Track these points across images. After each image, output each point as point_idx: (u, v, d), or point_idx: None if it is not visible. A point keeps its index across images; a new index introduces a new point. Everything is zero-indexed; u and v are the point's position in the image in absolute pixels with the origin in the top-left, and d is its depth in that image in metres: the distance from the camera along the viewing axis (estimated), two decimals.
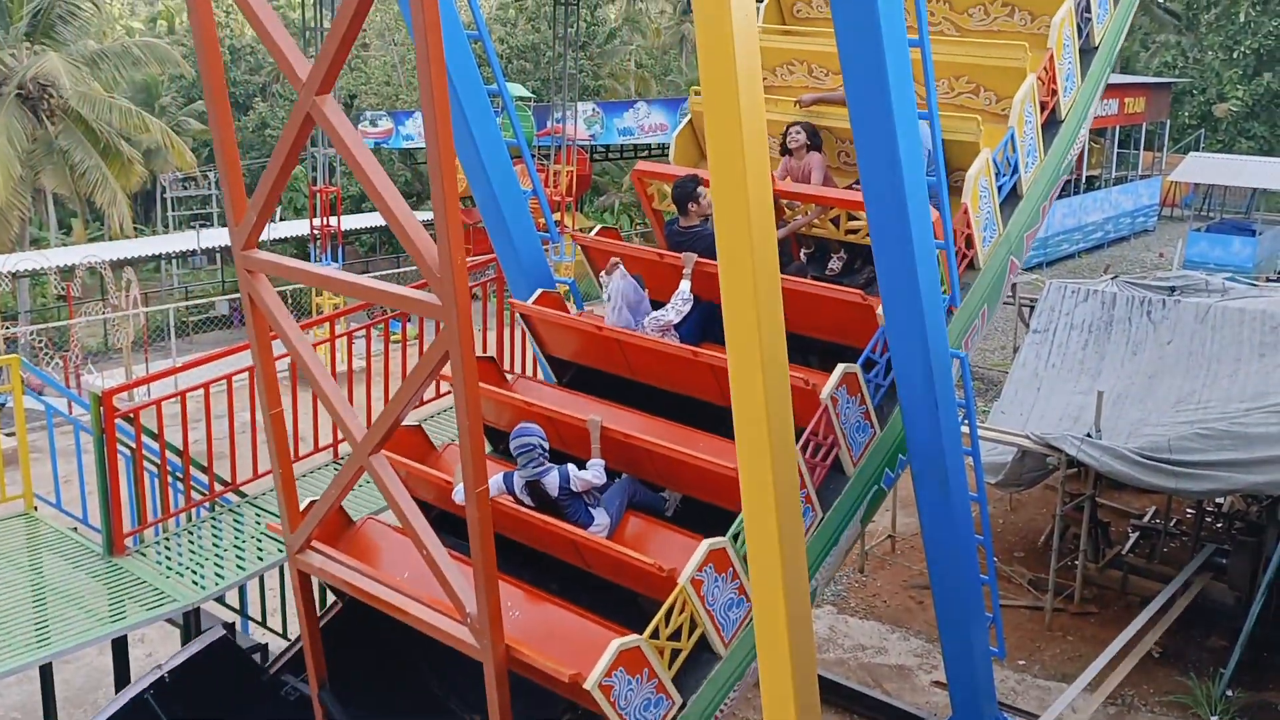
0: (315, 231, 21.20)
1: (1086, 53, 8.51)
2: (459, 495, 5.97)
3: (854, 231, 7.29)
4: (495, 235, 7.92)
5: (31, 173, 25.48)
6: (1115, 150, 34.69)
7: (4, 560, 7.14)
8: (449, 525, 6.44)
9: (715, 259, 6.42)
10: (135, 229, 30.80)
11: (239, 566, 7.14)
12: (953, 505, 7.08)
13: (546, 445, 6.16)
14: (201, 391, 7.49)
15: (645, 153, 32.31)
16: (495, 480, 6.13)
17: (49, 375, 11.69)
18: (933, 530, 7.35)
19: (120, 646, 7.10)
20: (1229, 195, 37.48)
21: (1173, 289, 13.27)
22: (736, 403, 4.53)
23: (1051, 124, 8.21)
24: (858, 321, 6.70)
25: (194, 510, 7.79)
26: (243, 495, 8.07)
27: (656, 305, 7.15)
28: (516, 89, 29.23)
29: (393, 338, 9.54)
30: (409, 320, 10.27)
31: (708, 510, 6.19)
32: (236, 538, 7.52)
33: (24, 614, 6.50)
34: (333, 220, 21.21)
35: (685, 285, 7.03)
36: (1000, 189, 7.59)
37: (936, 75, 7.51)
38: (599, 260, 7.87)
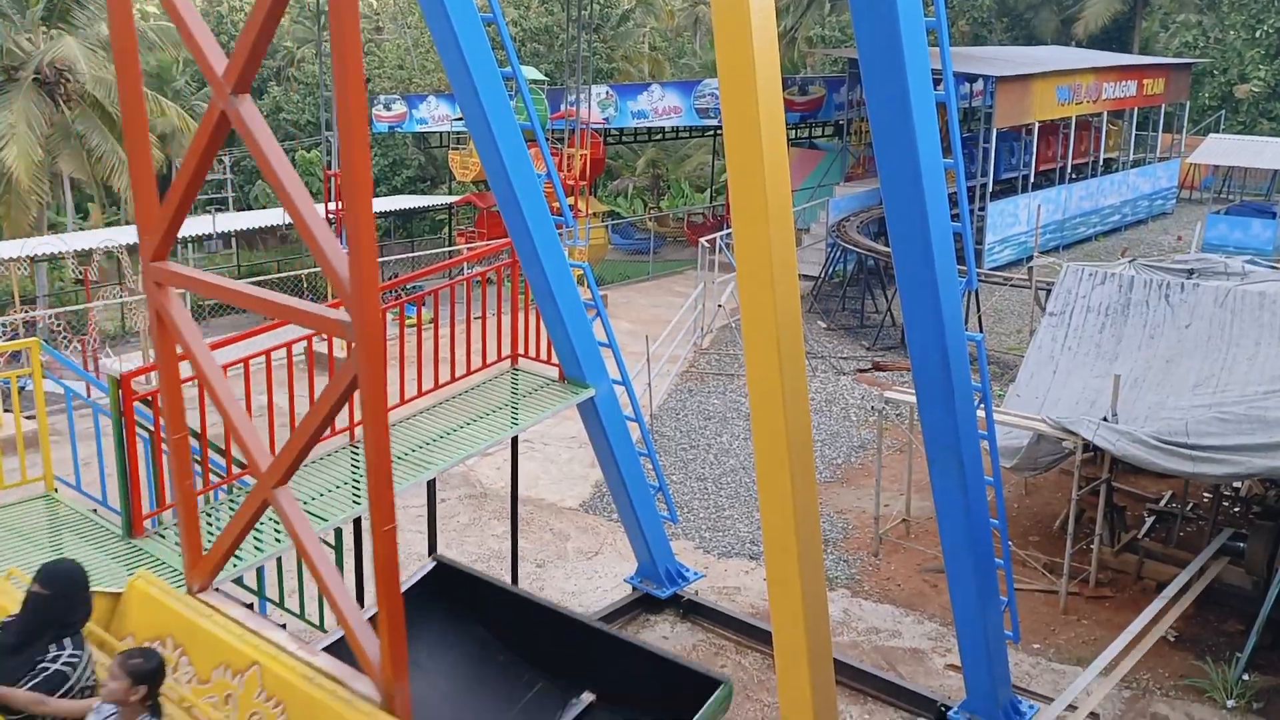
0: (330, 215, 21.23)
1: None
2: None
3: None
4: (510, 219, 7.93)
5: (49, 157, 25.62)
6: (1133, 132, 34.37)
7: (25, 541, 7.22)
8: None
9: None
10: None
11: (257, 548, 7.19)
12: (968, 489, 7.08)
13: None
14: None
15: (659, 135, 32.22)
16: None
17: (68, 358, 11.78)
18: (948, 514, 7.35)
19: None
20: (1249, 177, 37.15)
21: (1191, 272, 13.18)
22: (752, 376, 4.53)
23: None
24: None
25: (212, 493, 7.85)
26: None
27: None
28: (530, 72, 29.16)
29: (408, 322, 9.58)
30: (423, 304, 10.29)
31: None
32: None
33: None
34: None
35: None
36: None
37: None
38: None
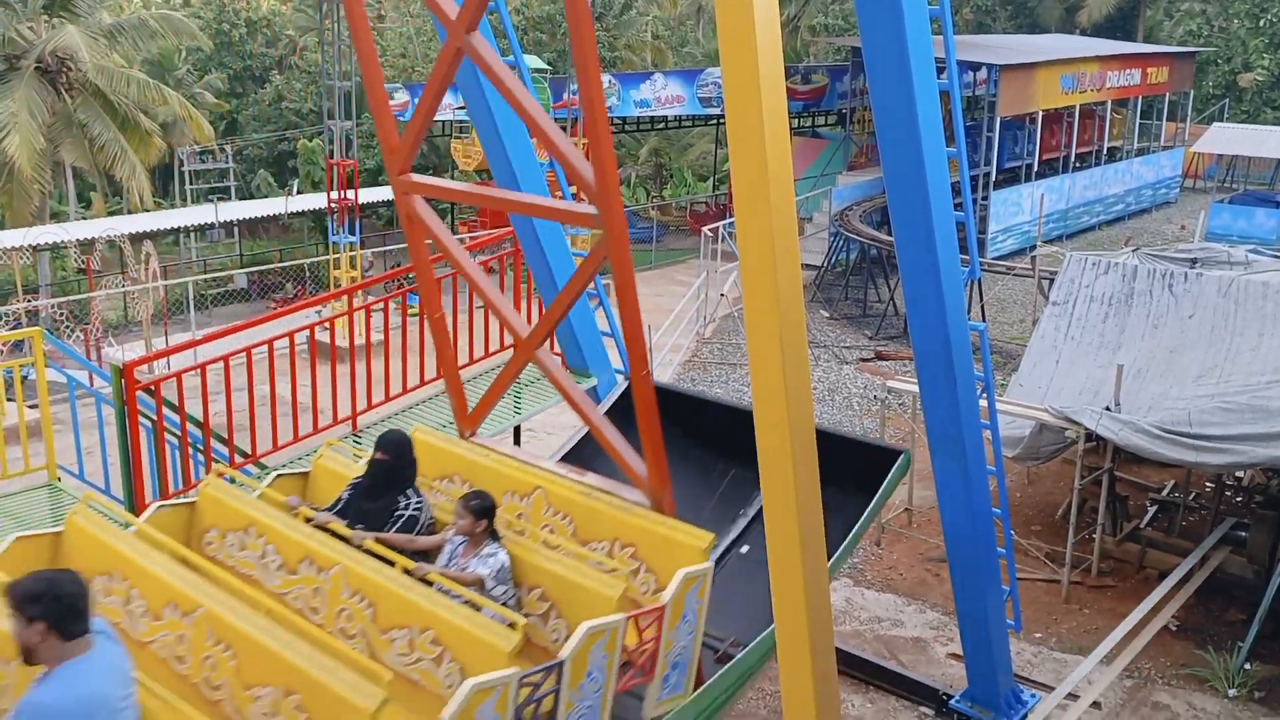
0: (333, 204, 21.21)
1: None
2: None
3: None
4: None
5: (51, 146, 25.60)
6: (1137, 121, 34.26)
7: (28, 529, 7.23)
8: None
9: None
10: (155, 202, 30.92)
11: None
12: (970, 478, 7.08)
13: None
14: (221, 364, 7.54)
15: (662, 124, 32.15)
16: None
17: (70, 348, 11.79)
18: (950, 503, 7.35)
19: None
20: (1253, 166, 37.06)
21: (1194, 260, 13.16)
22: (755, 370, 4.53)
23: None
24: None
25: None
26: (263, 467, 8.13)
27: None
28: (533, 61, 29.08)
29: (410, 311, 9.57)
30: None
31: None
32: None
33: None
34: (350, 194, 21.20)
35: None
36: None
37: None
38: None
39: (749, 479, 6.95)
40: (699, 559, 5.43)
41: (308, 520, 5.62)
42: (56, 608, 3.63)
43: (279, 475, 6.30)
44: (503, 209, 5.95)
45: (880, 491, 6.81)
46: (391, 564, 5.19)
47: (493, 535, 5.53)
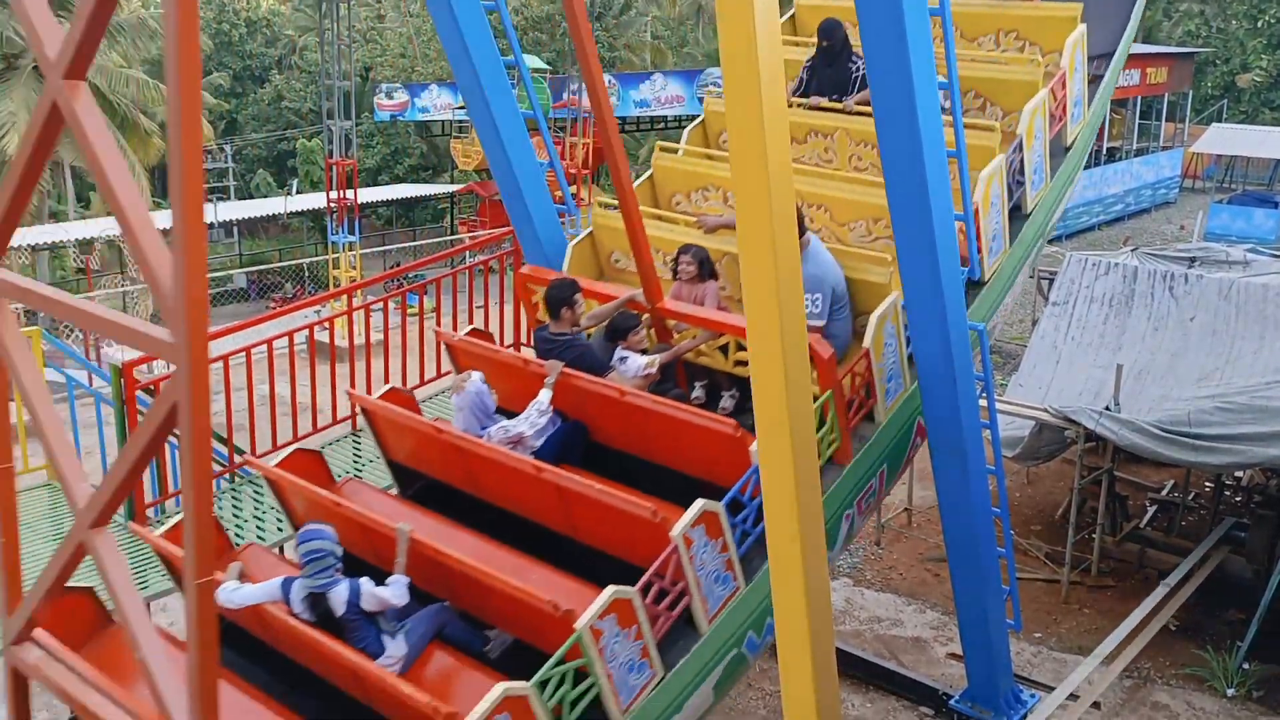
0: (332, 204, 21.22)
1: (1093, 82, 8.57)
2: (224, 597, 5.31)
3: (743, 363, 6.58)
4: (512, 208, 7.91)
5: None
6: (1136, 121, 34.27)
7: (28, 529, 7.23)
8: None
9: (585, 370, 6.34)
10: (154, 202, 30.91)
11: (259, 537, 7.20)
12: (970, 478, 7.07)
13: (340, 553, 5.31)
14: (221, 364, 7.54)
15: (662, 124, 32.14)
16: (270, 585, 5.35)
17: (69, 347, 11.78)
18: (950, 503, 7.35)
19: None
20: (1251, 167, 37.09)
21: (1193, 260, 13.15)
22: (755, 372, 4.52)
23: (1058, 151, 8.17)
24: (729, 456, 5.86)
25: (214, 481, 7.86)
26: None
27: (510, 417, 6.46)
28: (533, 61, 29.09)
29: (409, 311, 9.57)
30: (425, 294, 10.30)
31: (539, 657, 5.15)
32: (256, 508, 7.59)
33: None
34: (349, 193, 21.20)
35: (545, 395, 6.35)
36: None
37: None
38: (463, 363, 7.12)
39: None
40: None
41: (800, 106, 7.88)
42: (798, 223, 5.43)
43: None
44: (76, 320, 4.19)
45: None
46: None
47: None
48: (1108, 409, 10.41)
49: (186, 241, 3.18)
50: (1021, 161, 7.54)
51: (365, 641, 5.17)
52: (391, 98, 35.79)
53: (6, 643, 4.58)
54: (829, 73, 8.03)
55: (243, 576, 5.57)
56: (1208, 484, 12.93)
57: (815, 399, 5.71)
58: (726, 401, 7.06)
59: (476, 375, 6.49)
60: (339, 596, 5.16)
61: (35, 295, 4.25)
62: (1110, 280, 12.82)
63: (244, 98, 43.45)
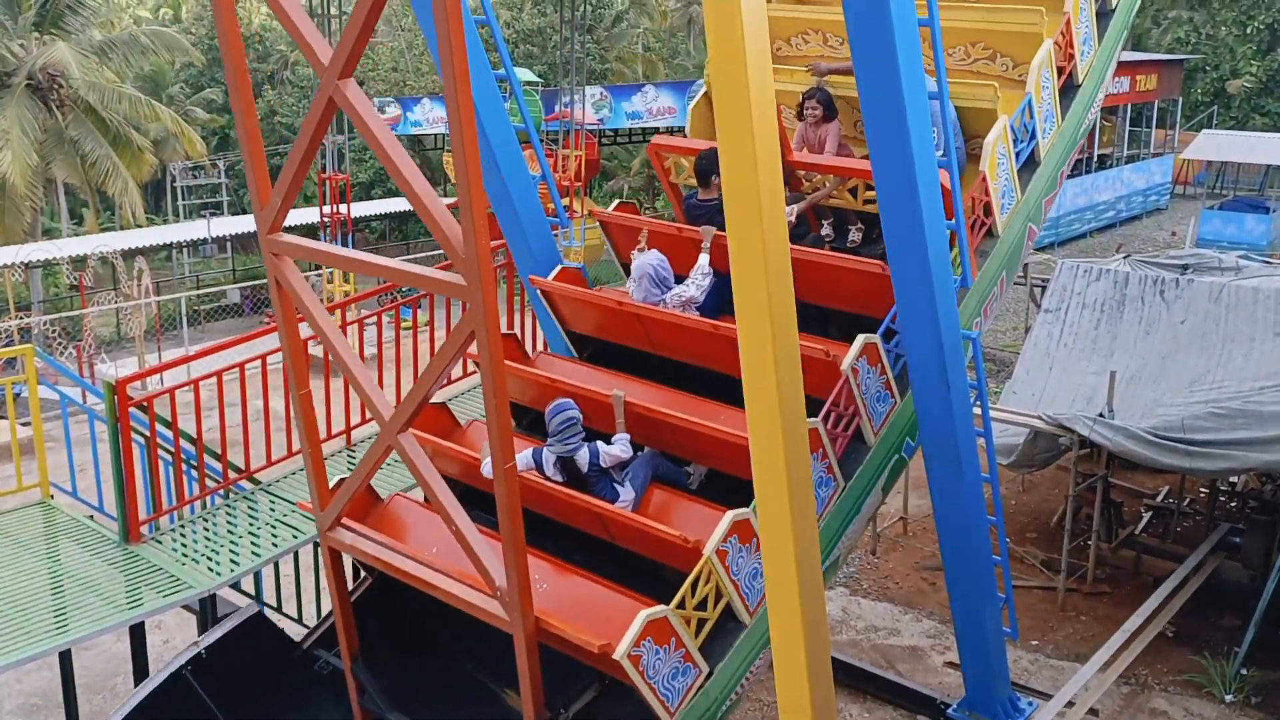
0: (325, 218, 21.20)
1: (1104, 15, 8.49)
2: (487, 470, 6.08)
3: (871, 202, 7.23)
4: (504, 221, 7.92)
5: (43, 163, 25.57)
6: (1127, 128, 34.40)
7: (22, 548, 7.21)
8: (475, 500, 6.48)
9: None
10: (147, 218, 30.88)
11: (254, 553, 7.19)
12: (965, 486, 7.08)
13: (582, 421, 6.24)
14: (214, 379, 7.53)
15: (654, 135, 32.20)
16: (524, 456, 6.24)
17: (63, 365, 11.75)
18: (945, 511, 7.35)
19: (138, 633, 7.17)
20: (1242, 173, 37.18)
21: (1185, 267, 13.18)
22: (747, 379, 4.53)
23: (1068, 89, 8.25)
24: (877, 292, 6.67)
25: (209, 497, 7.83)
26: (257, 482, 8.11)
27: (680, 280, 7.20)
28: (524, 73, 29.13)
29: (404, 324, 9.57)
30: (419, 307, 10.30)
31: (732, 483, 6.19)
32: (251, 524, 7.57)
33: (42, 601, 6.57)
34: (343, 207, 21.20)
35: (704, 259, 7.08)
36: (1018, 155, 7.63)
37: (952, 43, 7.67)
38: (618, 237, 7.86)
39: None
40: None
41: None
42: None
43: None
44: (373, 274, 5.32)
45: None
46: None
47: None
48: (1101, 415, 10.43)
49: (472, 208, 4.32)
50: (1030, 113, 7.70)
51: (604, 491, 6.12)
52: (384, 112, 35.77)
53: (323, 530, 5.93)
54: None
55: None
56: (1203, 490, 12.94)
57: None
58: (855, 235, 7.73)
59: (654, 251, 7.21)
60: (583, 458, 6.13)
61: (317, 252, 5.51)
62: (1102, 286, 12.85)
63: None
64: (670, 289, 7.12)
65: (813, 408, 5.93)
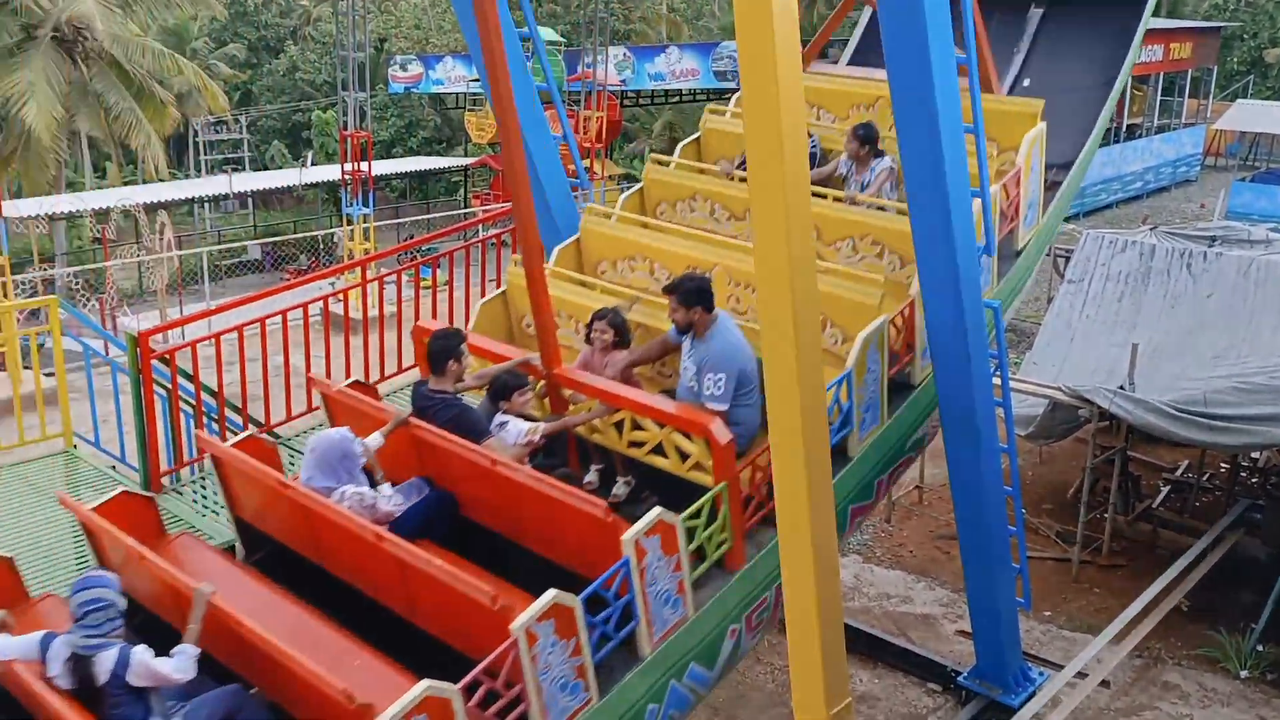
0: (346, 176, 21.20)
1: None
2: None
3: (636, 445, 5.94)
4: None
5: (68, 115, 25.64)
6: (1158, 98, 33.81)
7: (44, 496, 7.30)
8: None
9: (462, 434, 5.71)
10: (170, 172, 30.97)
11: None
12: (982, 456, 7.05)
13: (122, 607, 4.61)
14: (235, 334, 7.57)
15: (676, 97, 31.95)
16: (30, 639, 4.60)
17: (86, 316, 11.85)
18: (961, 481, 7.33)
19: None
20: (1276, 144, 36.56)
21: (1213, 239, 13.01)
22: (768, 358, 4.51)
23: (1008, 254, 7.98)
24: (597, 544, 5.10)
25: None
26: (277, 436, 8.17)
27: (372, 481, 5.77)
28: (547, 33, 28.90)
29: (423, 283, 9.58)
30: (438, 266, 10.29)
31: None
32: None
33: (65, 549, 6.66)
34: (364, 165, 21.18)
35: (375, 441, 5.77)
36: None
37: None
38: (338, 416, 6.50)
39: None
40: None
41: (741, 180, 7.52)
42: (705, 297, 5.89)
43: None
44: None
45: None
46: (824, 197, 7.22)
47: (876, 153, 7.55)
48: (1122, 388, 10.35)
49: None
50: None
51: None
52: (406, 70, 35.64)
53: None
54: None
55: (4, 627, 4.82)
56: (1223, 465, 12.86)
57: (707, 490, 5.41)
58: (620, 489, 6.26)
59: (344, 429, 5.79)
60: (104, 664, 4.41)
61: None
62: (1127, 258, 12.70)
63: (259, 69, 43.37)
64: (348, 482, 5.54)
65: (465, 666, 4.61)
